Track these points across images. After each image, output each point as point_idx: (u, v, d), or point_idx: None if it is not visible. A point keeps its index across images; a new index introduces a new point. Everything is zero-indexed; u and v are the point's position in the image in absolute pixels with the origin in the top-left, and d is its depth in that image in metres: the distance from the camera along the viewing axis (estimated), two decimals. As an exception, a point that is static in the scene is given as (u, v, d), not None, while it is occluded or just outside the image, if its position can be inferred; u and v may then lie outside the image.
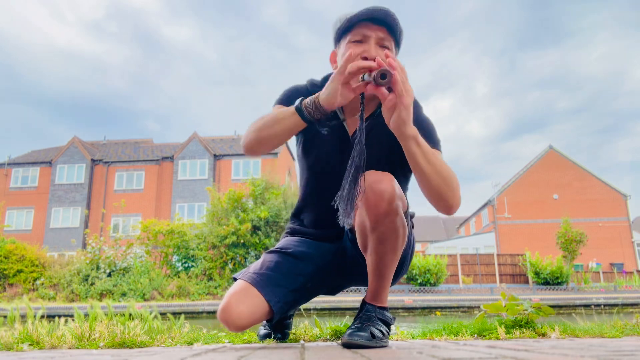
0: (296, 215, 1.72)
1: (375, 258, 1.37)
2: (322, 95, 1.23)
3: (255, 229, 17.72)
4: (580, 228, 21.65)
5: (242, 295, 1.43)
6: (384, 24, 1.32)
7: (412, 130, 1.16)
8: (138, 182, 29.46)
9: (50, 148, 32.60)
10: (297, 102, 1.29)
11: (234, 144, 30.87)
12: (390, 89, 1.14)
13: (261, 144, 1.35)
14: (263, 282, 1.48)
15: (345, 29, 1.36)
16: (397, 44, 1.39)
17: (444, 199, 1.26)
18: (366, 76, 1.18)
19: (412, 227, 1.57)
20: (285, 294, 1.50)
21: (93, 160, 29.64)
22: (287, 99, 1.48)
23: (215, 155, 29.03)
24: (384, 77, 1.10)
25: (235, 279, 1.54)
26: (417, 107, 1.47)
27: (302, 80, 1.57)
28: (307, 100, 1.26)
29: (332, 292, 1.70)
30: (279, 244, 1.65)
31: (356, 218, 1.37)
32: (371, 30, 1.32)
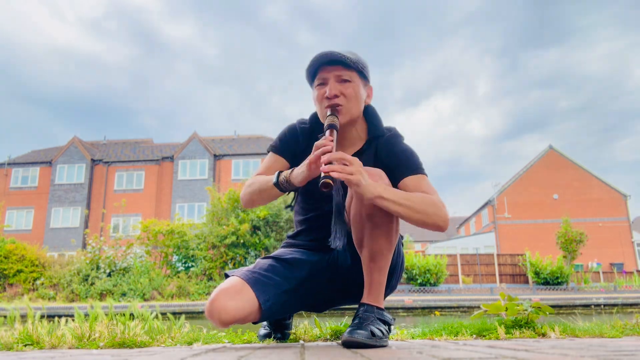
0: (293, 237, 1.78)
1: (370, 245, 1.41)
2: (294, 175, 1.46)
3: (255, 229, 17.72)
4: (580, 228, 21.61)
5: (231, 291, 1.44)
6: (339, 63, 1.52)
7: (372, 193, 1.31)
8: (138, 182, 29.46)
9: (50, 148, 32.60)
10: (275, 178, 1.52)
11: (234, 144, 30.86)
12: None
13: (255, 204, 1.65)
14: (255, 279, 1.50)
15: (312, 75, 1.58)
16: (361, 72, 1.56)
17: (429, 225, 1.39)
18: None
19: (402, 244, 1.66)
20: (276, 295, 1.51)
21: (93, 160, 29.64)
22: (281, 147, 1.69)
23: (215, 155, 29.03)
24: (327, 187, 1.25)
25: (227, 276, 1.56)
26: (396, 139, 1.63)
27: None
28: (282, 177, 1.50)
29: (323, 306, 1.70)
30: (274, 253, 1.70)
31: (351, 211, 1.45)
32: (328, 72, 1.53)
